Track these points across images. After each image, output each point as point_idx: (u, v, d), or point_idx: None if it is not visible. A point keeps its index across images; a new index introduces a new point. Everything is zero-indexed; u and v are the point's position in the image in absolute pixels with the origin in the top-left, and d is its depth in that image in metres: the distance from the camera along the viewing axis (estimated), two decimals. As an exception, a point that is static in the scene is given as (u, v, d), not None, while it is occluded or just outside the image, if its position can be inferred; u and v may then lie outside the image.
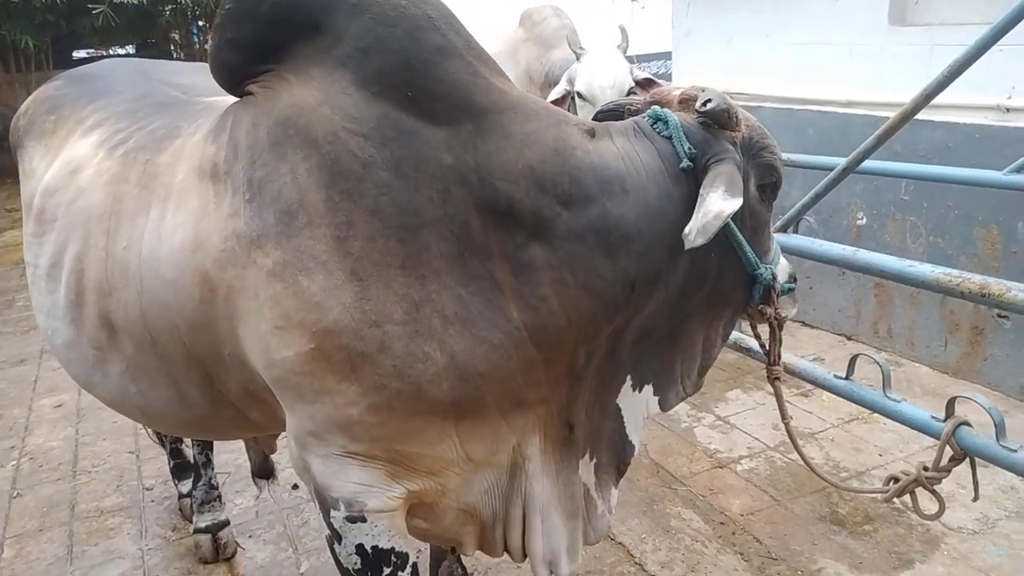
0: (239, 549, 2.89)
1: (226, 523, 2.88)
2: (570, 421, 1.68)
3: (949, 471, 1.89)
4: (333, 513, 1.54)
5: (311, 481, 1.57)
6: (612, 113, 1.81)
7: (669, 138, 1.57)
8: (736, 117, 1.59)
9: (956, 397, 1.86)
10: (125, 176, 1.73)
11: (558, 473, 1.70)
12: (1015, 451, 1.76)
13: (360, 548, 1.55)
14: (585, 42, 3.99)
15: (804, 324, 4.69)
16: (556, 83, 3.92)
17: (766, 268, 1.71)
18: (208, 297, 1.54)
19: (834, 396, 3.07)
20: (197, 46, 14.63)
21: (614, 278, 1.51)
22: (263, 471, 2.78)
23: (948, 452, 1.84)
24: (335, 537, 1.57)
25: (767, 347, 1.93)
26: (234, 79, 1.65)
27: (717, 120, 1.56)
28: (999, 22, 1.92)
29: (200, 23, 14.03)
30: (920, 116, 3.86)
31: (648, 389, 1.78)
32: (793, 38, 4.59)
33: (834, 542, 2.77)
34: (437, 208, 1.42)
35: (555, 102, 3.70)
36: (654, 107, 1.65)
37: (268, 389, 1.57)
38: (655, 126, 1.60)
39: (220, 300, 1.53)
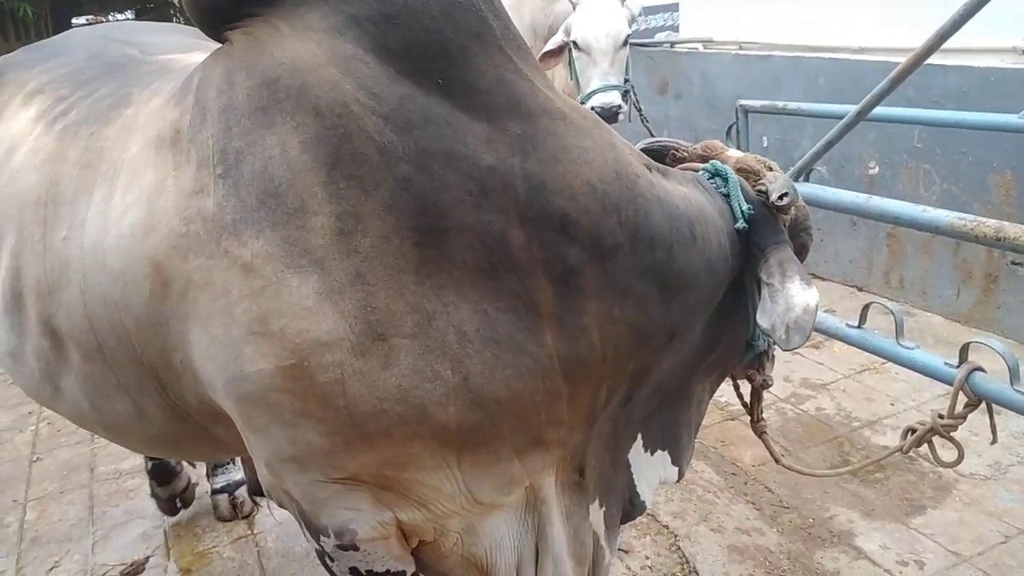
0: (256, 508, 2.93)
1: (242, 482, 2.90)
2: (582, 465, 1.55)
3: (965, 418, 1.88)
4: (323, 539, 1.38)
5: (293, 505, 1.39)
6: (655, 151, 1.74)
7: (726, 196, 1.52)
8: (795, 206, 1.57)
9: (969, 343, 1.85)
10: (63, 154, 1.48)
11: (568, 518, 1.58)
12: (1031, 395, 1.76)
13: (354, 570, 1.41)
14: (589, -7, 3.90)
15: (815, 276, 4.65)
16: (560, 36, 3.86)
17: (763, 339, 1.70)
18: (159, 291, 1.29)
19: (845, 347, 3.07)
20: (197, 9, 14.48)
21: (661, 324, 1.40)
22: (260, 487, 2.67)
23: (963, 399, 1.83)
24: (326, 557, 1.42)
25: (750, 406, 1.94)
26: (214, 18, 1.39)
27: (783, 209, 1.53)
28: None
29: (199, -14, 13.90)
30: (933, 60, 3.77)
31: (662, 455, 1.72)
32: (803, -16, 4.49)
33: (846, 490, 2.78)
34: (468, 213, 1.22)
35: (551, 52, 3.65)
36: (713, 162, 1.59)
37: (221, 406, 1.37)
38: (712, 180, 1.55)
39: (174, 295, 1.28)
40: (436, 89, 1.23)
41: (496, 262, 1.24)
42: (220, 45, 1.40)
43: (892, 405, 3.29)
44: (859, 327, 2.19)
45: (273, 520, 2.87)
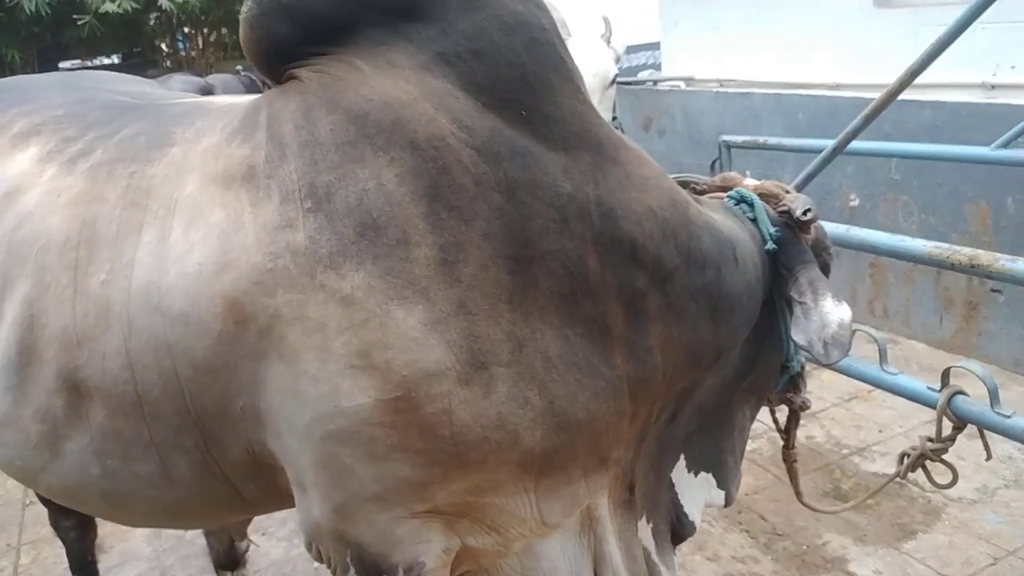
0: (254, 546, 2.92)
1: None
2: (631, 483, 1.60)
3: (953, 440, 1.93)
4: None
5: (355, 551, 1.32)
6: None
7: (753, 220, 1.59)
8: (815, 227, 1.64)
9: (951, 367, 1.92)
10: (98, 194, 1.38)
11: (620, 536, 1.62)
12: (1009, 417, 1.81)
13: None
14: (573, 33, 4.03)
15: (800, 306, 4.75)
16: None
17: (797, 359, 1.74)
18: (231, 332, 1.24)
19: (833, 376, 3.13)
20: (183, 53, 14.63)
21: (711, 344, 1.45)
22: (229, 561, 2.60)
23: (950, 423, 1.89)
24: None
25: (786, 432, 1.96)
26: (276, 57, 1.38)
27: (802, 226, 1.59)
28: (979, 0, 1.97)
29: (185, 30, 14.04)
30: (908, 96, 3.92)
31: (708, 478, 1.76)
32: (780, 23, 4.65)
33: (838, 517, 2.81)
34: (551, 240, 1.25)
35: None
36: (738, 189, 1.66)
37: (274, 455, 1.33)
38: (738, 206, 1.62)
39: (251, 334, 1.23)
40: (519, 120, 1.26)
41: (576, 287, 1.27)
42: (278, 84, 1.41)
43: (880, 432, 3.35)
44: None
45: (270, 559, 2.87)
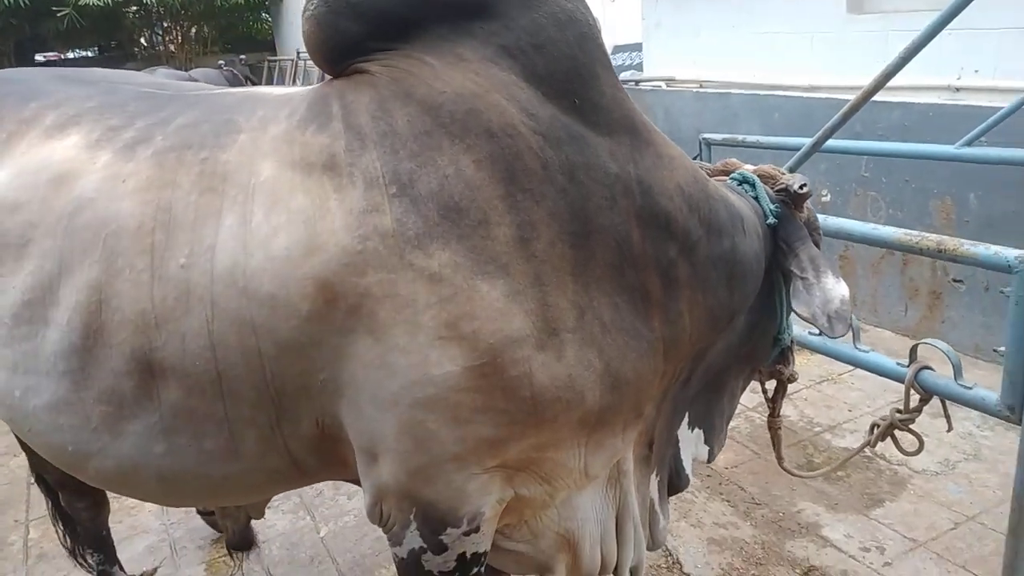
0: (262, 519, 3.05)
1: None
2: (651, 439, 1.72)
3: (920, 411, 2.12)
4: (449, 531, 1.44)
5: (424, 508, 1.43)
6: None
7: (755, 198, 1.74)
8: (806, 203, 1.80)
9: (918, 344, 2.11)
10: (170, 180, 1.42)
11: (638, 488, 1.75)
12: (970, 388, 2.01)
13: (462, 555, 1.48)
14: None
15: (775, 297, 4.98)
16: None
17: (788, 333, 1.89)
18: (320, 311, 1.32)
19: (806, 360, 3.34)
20: (161, 47, 14.59)
21: (727, 307, 1.59)
22: (244, 541, 2.66)
23: (917, 397, 2.08)
24: (435, 550, 1.46)
25: (772, 401, 2.12)
26: (342, 52, 1.46)
27: (796, 200, 1.75)
28: (948, 8, 2.17)
29: (165, 24, 14.02)
30: (878, 97, 4.15)
31: (699, 433, 1.90)
32: (757, 27, 4.86)
33: (811, 487, 3.02)
34: (604, 216, 1.38)
35: None
36: (740, 171, 1.82)
37: (342, 426, 1.42)
38: (741, 186, 1.77)
39: (340, 312, 1.31)
40: (572, 108, 1.39)
41: (623, 259, 1.40)
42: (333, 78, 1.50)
43: (850, 411, 3.57)
44: (820, 335, 2.45)
45: (277, 530, 3.00)
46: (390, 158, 1.33)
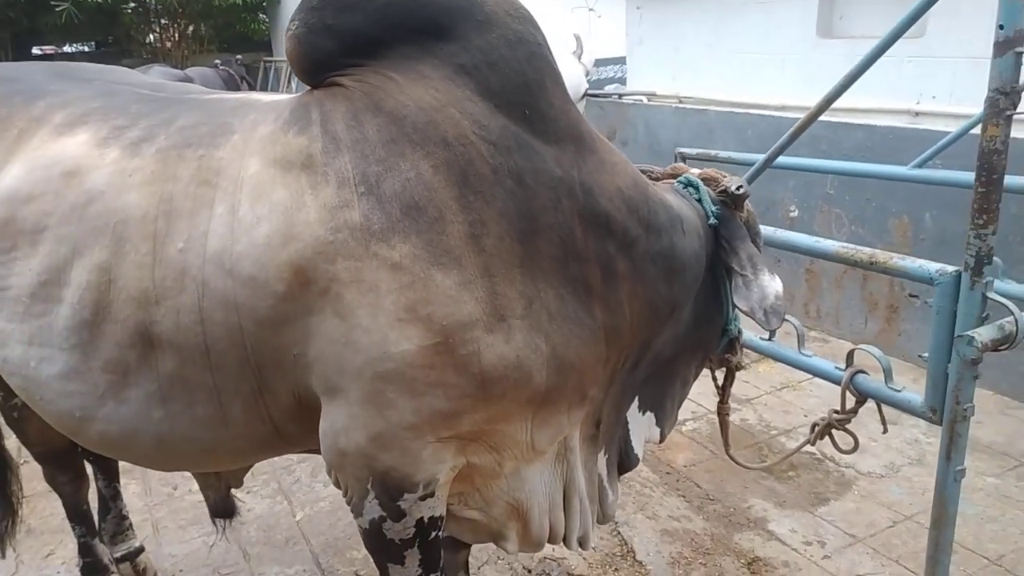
0: (240, 503, 3.20)
1: (141, 550, 2.88)
2: (598, 420, 1.85)
3: (856, 412, 2.29)
4: (406, 496, 1.58)
5: (381, 474, 1.57)
6: None
7: (698, 200, 1.88)
8: (746, 203, 1.95)
9: (854, 350, 2.28)
10: (172, 174, 1.58)
11: (585, 464, 1.88)
12: (899, 391, 2.19)
13: (420, 520, 1.62)
14: (547, 49, 4.39)
15: (745, 307, 5.17)
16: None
17: (735, 324, 2.02)
18: (293, 292, 1.48)
19: (769, 368, 3.52)
20: (158, 45, 14.72)
21: (667, 300, 1.73)
22: (224, 510, 2.75)
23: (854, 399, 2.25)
24: (393, 517, 1.61)
25: (722, 388, 2.26)
26: (320, 67, 1.63)
27: (736, 201, 1.90)
28: (881, 40, 2.36)
29: (162, 21, 14.15)
30: (843, 119, 4.37)
31: (651, 416, 2.02)
32: (733, 48, 5.07)
33: (763, 486, 3.20)
34: (549, 216, 1.53)
35: None
36: (685, 175, 1.96)
37: (316, 398, 1.56)
38: (686, 189, 1.92)
39: (312, 294, 1.47)
40: (523, 118, 1.55)
41: (567, 253, 1.55)
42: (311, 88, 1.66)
43: (806, 416, 3.75)
44: (769, 339, 2.63)
45: (255, 513, 3.15)
46: (360, 161, 1.49)
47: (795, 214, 4.70)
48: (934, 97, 4.05)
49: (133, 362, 1.60)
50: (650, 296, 1.69)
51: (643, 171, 2.07)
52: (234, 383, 1.59)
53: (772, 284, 1.79)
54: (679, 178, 2.00)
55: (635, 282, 1.66)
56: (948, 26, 3.81)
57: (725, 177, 1.98)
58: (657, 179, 2.04)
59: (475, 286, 1.47)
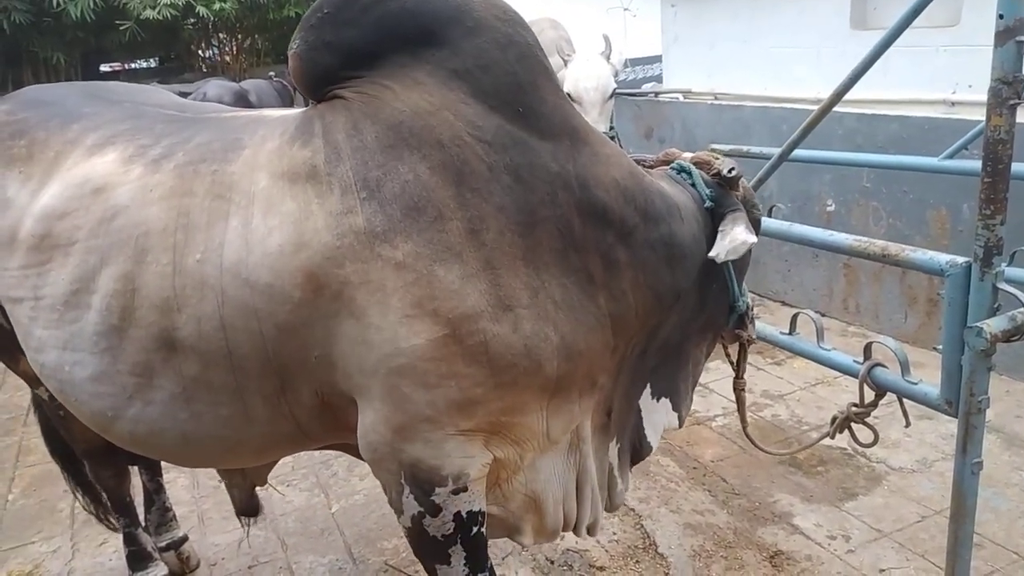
0: (279, 495, 3.35)
1: (184, 539, 2.99)
2: (609, 409, 1.89)
3: (875, 405, 2.31)
4: (438, 490, 1.64)
5: (410, 467, 1.63)
6: None
7: (693, 185, 1.91)
8: (740, 181, 1.97)
9: (871, 343, 2.29)
10: (188, 189, 1.68)
11: (597, 453, 1.91)
12: (916, 384, 2.19)
13: (457, 515, 1.67)
14: (577, 50, 4.46)
15: (783, 303, 5.12)
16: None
17: (743, 300, 2.05)
18: (309, 298, 1.55)
19: (804, 363, 3.51)
20: (217, 58, 15.23)
21: (670, 286, 1.77)
22: (249, 508, 2.83)
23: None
24: (431, 512, 1.66)
25: (736, 364, 2.29)
26: (321, 82, 1.70)
27: (729, 182, 1.93)
28: (887, 33, 2.35)
29: (221, 35, 14.65)
30: (878, 111, 4.31)
31: (666, 403, 2.04)
32: (767, 42, 5.04)
33: (790, 480, 3.20)
34: (547, 209, 1.59)
35: None
36: (678, 161, 1.99)
37: (341, 394, 1.63)
38: (680, 175, 1.95)
39: (326, 298, 1.55)
40: (517, 116, 1.62)
41: (567, 244, 1.61)
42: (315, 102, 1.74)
43: (840, 413, 3.70)
44: (790, 333, 2.65)
45: (293, 505, 3.30)
46: (361, 168, 1.57)
47: (832, 208, 4.64)
48: (970, 86, 3.96)
49: (158, 365, 1.70)
50: (652, 283, 1.74)
51: (638, 160, 2.10)
52: (257, 384, 1.68)
53: (743, 235, 1.79)
54: (672, 164, 2.03)
55: (636, 270, 1.70)
56: (982, 14, 3.72)
57: (718, 159, 2.01)
58: (651, 167, 2.07)
59: (478, 279, 1.53)
